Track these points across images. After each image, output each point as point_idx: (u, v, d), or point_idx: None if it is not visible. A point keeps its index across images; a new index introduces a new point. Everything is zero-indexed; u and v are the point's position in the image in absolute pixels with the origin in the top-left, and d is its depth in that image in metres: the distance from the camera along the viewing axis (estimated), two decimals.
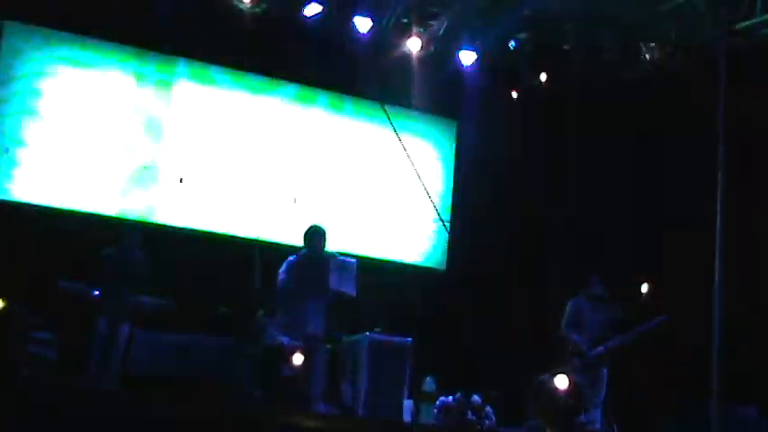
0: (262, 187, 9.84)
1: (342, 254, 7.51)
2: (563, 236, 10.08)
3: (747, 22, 8.32)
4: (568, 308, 8.06)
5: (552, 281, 9.41)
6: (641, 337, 7.76)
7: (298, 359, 6.92)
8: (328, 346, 7.49)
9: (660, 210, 9.41)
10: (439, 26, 9.63)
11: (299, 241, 7.57)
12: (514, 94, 10.21)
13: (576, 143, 10.00)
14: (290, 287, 7.19)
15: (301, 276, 7.18)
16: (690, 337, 8.09)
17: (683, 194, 8.97)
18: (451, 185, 10.78)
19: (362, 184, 10.39)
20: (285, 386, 6.93)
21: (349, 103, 10.34)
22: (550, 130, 10.30)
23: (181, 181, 9.33)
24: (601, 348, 7.93)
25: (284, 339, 7.15)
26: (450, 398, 8.44)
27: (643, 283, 8.10)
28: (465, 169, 10.79)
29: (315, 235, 7.38)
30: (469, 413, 8.35)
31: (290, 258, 7.29)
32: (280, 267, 7.31)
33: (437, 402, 8.38)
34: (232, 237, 9.58)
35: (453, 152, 10.84)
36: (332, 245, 7.52)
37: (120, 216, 9.17)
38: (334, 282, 7.25)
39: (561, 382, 6.79)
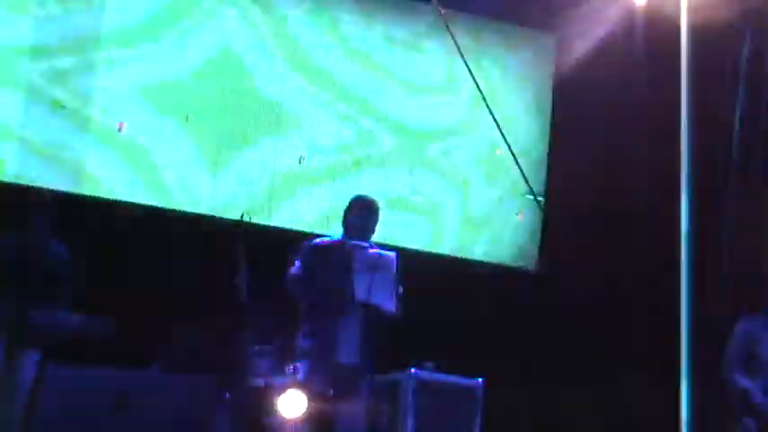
0: (253, 142, 10.06)
1: (373, 245, 7.56)
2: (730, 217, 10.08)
3: None
4: (735, 334, 7.91)
5: (712, 290, 9.39)
6: None
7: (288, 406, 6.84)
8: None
9: None
10: None
11: (309, 225, 7.32)
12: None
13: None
14: (300, 290, 7.37)
15: (323, 272, 7.31)
16: None
17: None
18: (546, 141, 10.98)
19: (407, 138, 10.61)
20: None
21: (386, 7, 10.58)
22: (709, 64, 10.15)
23: (187, 119, 9.65)
24: None
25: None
26: None
27: None
28: (566, 117, 10.87)
29: (358, 209, 7.55)
30: None
31: (307, 243, 7.52)
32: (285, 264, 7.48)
33: None
34: (204, 217, 9.77)
35: (550, 89, 11.06)
36: None
37: (18, 183, 9.25)
38: (361, 289, 7.25)
39: None
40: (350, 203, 7.63)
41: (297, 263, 7.45)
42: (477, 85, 9.76)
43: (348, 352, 7.26)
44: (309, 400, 7.05)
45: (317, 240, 7.53)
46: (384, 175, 10.33)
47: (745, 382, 7.68)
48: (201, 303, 8.61)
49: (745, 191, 10.13)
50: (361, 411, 7.31)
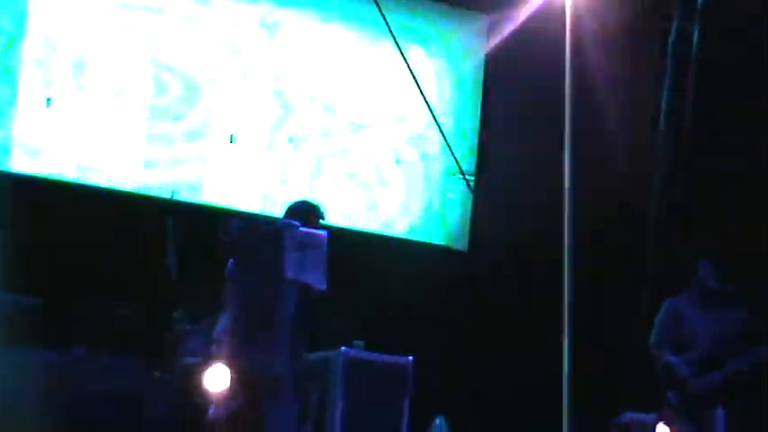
0: (182, 119, 9.98)
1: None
2: (660, 199, 10.24)
3: None
4: (662, 312, 7.98)
5: (642, 271, 9.57)
6: None
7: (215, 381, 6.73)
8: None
9: None
10: None
11: (239, 203, 7.52)
12: None
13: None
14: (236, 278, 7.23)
15: (249, 260, 7.21)
16: None
17: None
18: (478, 120, 10.90)
19: (339, 117, 10.53)
20: None
21: None
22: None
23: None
24: (715, 376, 7.68)
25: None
26: None
27: None
28: (498, 94, 10.87)
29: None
30: None
31: (237, 222, 7.54)
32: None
33: None
34: (132, 195, 9.66)
35: (482, 70, 10.97)
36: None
37: None
38: (292, 267, 7.11)
39: None
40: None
41: (228, 243, 7.31)
42: (409, 66, 9.77)
43: (279, 331, 7.17)
44: (236, 378, 6.94)
45: (247, 219, 7.48)
46: (315, 154, 10.28)
47: (670, 357, 7.78)
48: (130, 282, 8.59)
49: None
50: (290, 390, 7.32)
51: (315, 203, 7.51)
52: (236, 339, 7.12)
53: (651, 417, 8.02)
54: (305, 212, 7.38)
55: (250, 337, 7.14)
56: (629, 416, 8.60)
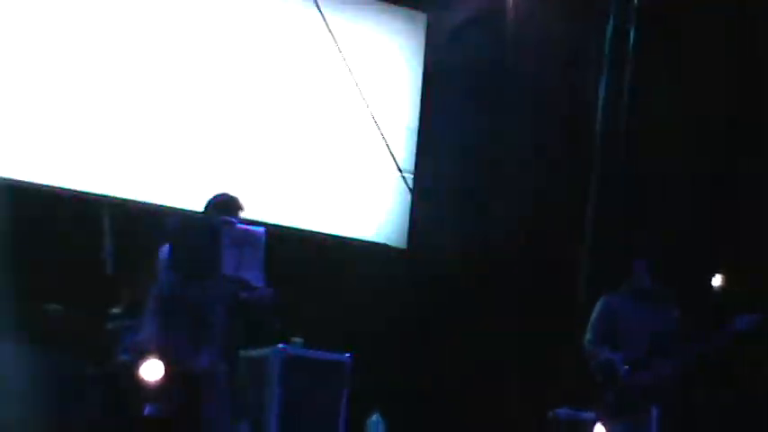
0: (110, 109, 9.82)
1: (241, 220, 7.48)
2: (595, 198, 10.29)
3: None
4: (596, 310, 7.99)
5: (576, 270, 9.65)
6: (713, 353, 7.68)
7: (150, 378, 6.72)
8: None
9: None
10: None
11: (176, 199, 7.59)
12: None
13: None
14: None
15: (190, 248, 7.17)
16: None
17: None
18: (417, 118, 10.96)
19: (275, 111, 10.46)
20: None
21: None
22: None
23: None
24: (647, 374, 7.73)
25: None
26: None
27: (715, 273, 8.33)
28: (437, 92, 10.90)
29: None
30: None
31: (174, 218, 7.62)
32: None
33: None
34: (67, 190, 9.56)
35: (421, 66, 11.01)
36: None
37: None
38: (230, 263, 7.06)
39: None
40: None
41: (165, 240, 7.24)
42: (347, 62, 9.76)
43: (213, 328, 7.12)
44: (170, 375, 6.89)
45: (184, 216, 7.44)
46: (252, 151, 10.22)
47: (608, 354, 7.79)
48: (66, 277, 8.51)
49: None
50: (225, 388, 7.29)
51: (234, 196, 7.41)
52: (170, 337, 7.04)
53: (587, 414, 8.10)
54: (225, 204, 7.31)
55: (183, 336, 7.06)
56: (565, 411, 8.69)
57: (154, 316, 7.29)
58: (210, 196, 7.40)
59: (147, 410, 6.84)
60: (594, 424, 7.79)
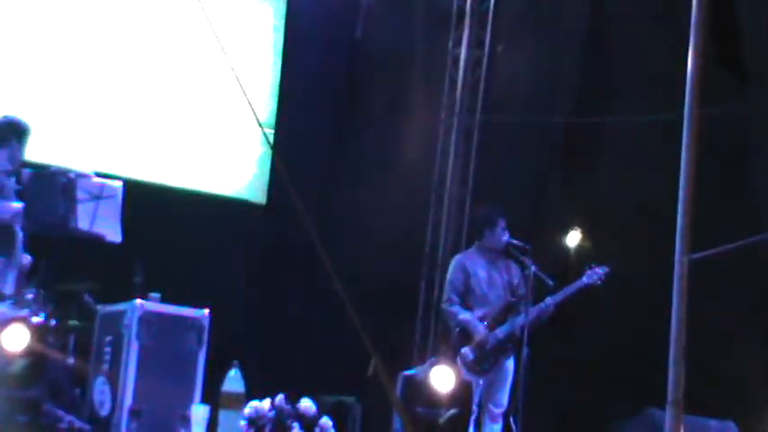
0: None
1: (99, 175, 7.54)
2: (453, 150, 10.50)
3: None
4: (451, 268, 8.28)
5: (431, 222, 9.88)
6: (564, 307, 7.93)
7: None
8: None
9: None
10: None
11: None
12: None
13: None
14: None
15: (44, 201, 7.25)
16: (640, 314, 8.49)
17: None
18: (279, 73, 10.96)
19: (141, 70, 10.33)
20: None
21: None
22: None
23: None
24: (503, 329, 8.05)
25: None
26: (267, 403, 8.39)
27: (571, 230, 8.50)
28: (299, 45, 10.92)
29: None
30: (296, 427, 8.33)
31: (29, 173, 7.40)
32: None
33: (247, 410, 8.30)
34: None
35: (284, 20, 11.06)
36: (89, 163, 7.64)
37: None
38: (84, 218, 7.20)
39: (440, 376, 6.74)
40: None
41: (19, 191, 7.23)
42: (207, 15, 9.68)
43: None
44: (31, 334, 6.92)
45: (39, 168, 7.37)
46: (113, 105, 10.06)
47: (464, 314, 8.08)
48: None
49: None
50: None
51: (17, 120, 7.33)
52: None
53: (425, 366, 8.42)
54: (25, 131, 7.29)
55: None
56: (416, 369, 8.92)
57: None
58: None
59: None
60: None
